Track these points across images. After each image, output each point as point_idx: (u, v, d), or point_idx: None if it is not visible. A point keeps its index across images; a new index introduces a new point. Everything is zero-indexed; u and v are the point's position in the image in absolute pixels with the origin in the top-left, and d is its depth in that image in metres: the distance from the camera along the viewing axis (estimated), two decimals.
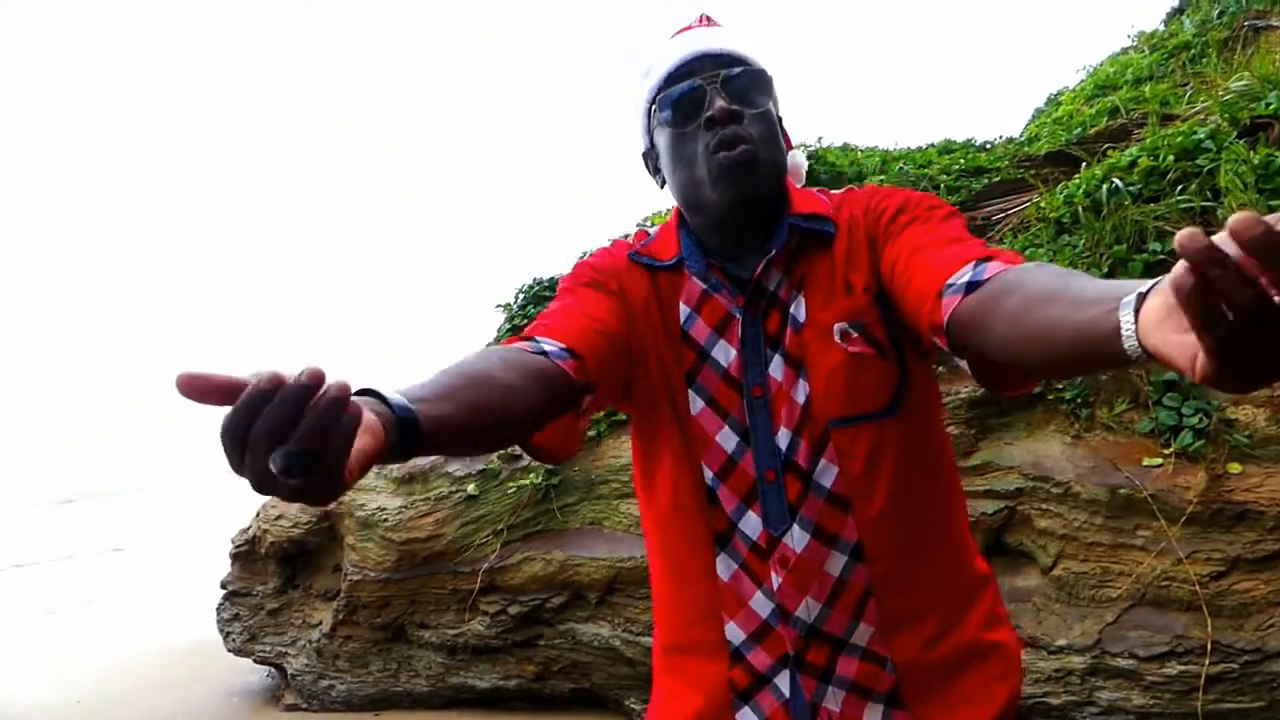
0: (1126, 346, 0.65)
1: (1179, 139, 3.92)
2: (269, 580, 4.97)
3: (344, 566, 4.50)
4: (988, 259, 0.99)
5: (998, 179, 5.04)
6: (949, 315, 0.96)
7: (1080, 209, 3.87)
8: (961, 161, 5.61)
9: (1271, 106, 3.79)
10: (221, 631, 5.08)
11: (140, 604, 7.42)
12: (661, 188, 1.29)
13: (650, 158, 1.29)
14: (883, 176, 5.35)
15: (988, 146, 6.51)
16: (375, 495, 4.49)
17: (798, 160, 1.32)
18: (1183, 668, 2.81)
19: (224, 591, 5.15)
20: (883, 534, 1.14)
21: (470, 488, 4.28)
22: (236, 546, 5.11)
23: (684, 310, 1.21)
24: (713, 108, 1.15)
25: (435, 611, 4.25)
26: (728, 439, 1.16)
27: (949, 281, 0.98)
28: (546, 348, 1.06)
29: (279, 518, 4.85)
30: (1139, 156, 3.98)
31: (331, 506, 4.71)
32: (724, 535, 1.17)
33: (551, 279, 5.89)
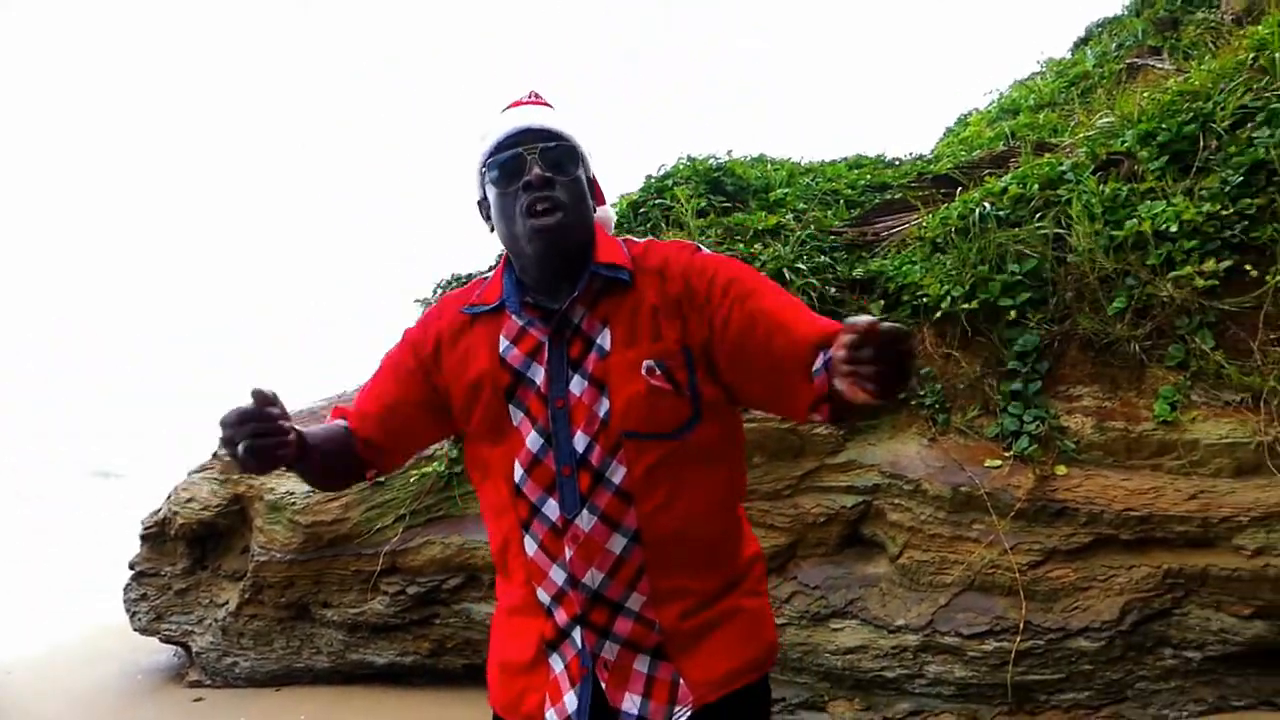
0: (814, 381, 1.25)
1: (1045, 169, 4.27)
2: (178, 561, 5.10)
3: (252, 548, 4.65)
4: (822, 336, 1.30)
5: (898, 195, 5.36)
6: (827, 388, 1.25)
7: (953, 230, 4.18)
8: (868, 177, 5.92)
9: (1125, 144, 4.14)
10: (128, 611, 5.18)
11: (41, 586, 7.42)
12: (491, 232, 1.55)
13: (482, 207, 1.54)
14: (789, 190, 5.63)
15: (896, 163, 6.83)
16: (284, 480, 4.64)
17: (607, 215, 1.60)
18: (998, 644, 3.14)
19: (132, 572, 5.26)
20: (657, 525, 1.39)
21: None
22: (146, 528, 5.22)
23: (504, 343, 1.47)
24: (530, 174, 1.41)
25: (338, 591, 4.43)
26: (535, 441, 1.42)
27: (814, 369, 1.28)
28: (357, 434, 1.54)
29: (189, 501, 4.98)
30: (1010, 184, 4.32)
31: (241, 490, 4.86)
32: (526, 521, 1.43)
33: (468, 274, 6.08)
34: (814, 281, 4.23)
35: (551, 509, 1.40)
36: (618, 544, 1.38)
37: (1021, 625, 3.13)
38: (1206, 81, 4.21)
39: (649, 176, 5.71)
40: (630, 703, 1.39)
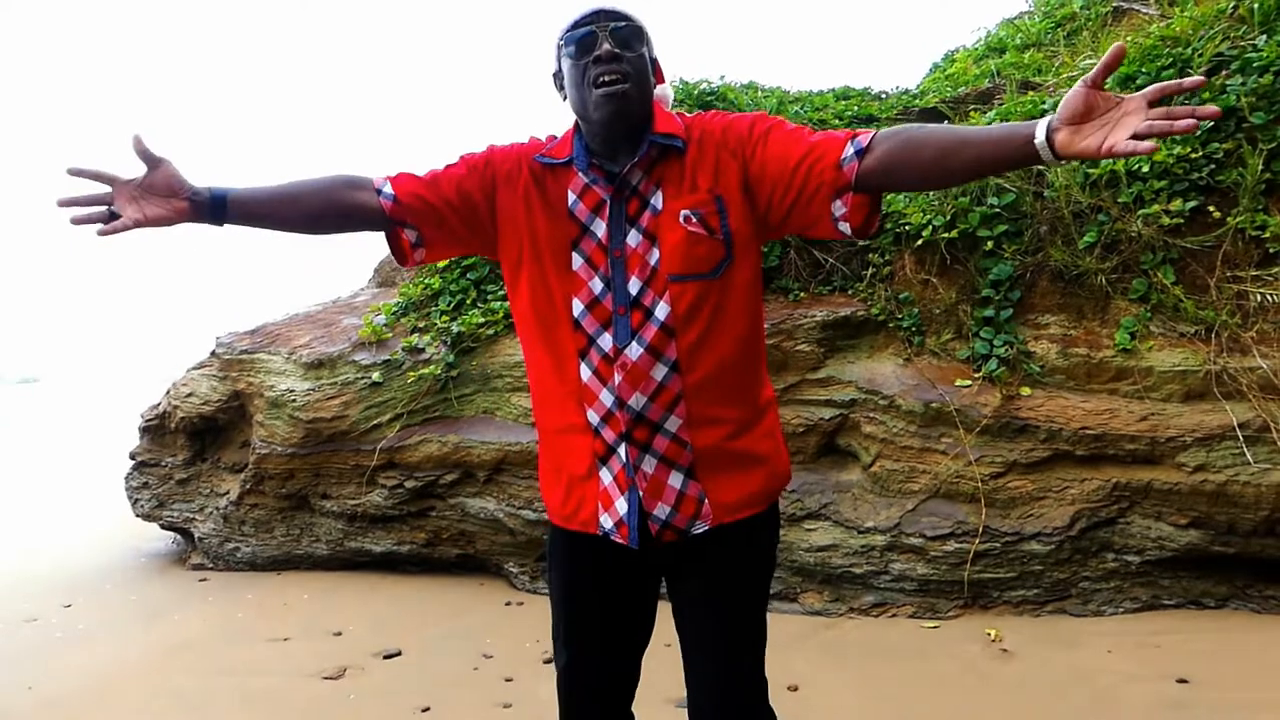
0: (1038, 145, 1.32)
1: (1028, 106, 4.45)
2: (178, 453, 5.28)
3: (252, 441, 4.84)
4: (853, 134, 1.52)
5: (885, 127, 5.51)
6: (855, 177, 1.49)
7: None
8: (855, 108, 6.06)
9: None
10: (130, 498, 5.38)
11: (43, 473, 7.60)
12: (564, 102, 1.72)
13: (557, 79, 1.73)
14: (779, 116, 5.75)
15: (882, 96, 6.95)
16: (284, 378, 4.82)
17: (666, 93, 1.83)
18: (958, 545, 3.43)
19: (133, 462, 5.43)
20: (694, 356, 1.61)
21: (375, 375, 4.65)
22: (146, 421, 5.38)
23: (570, 197, 1.68)
24: (600, 48, 1.59)
25: (337, 484, 4.65)
26: (596, 284, 1.63)
27: (841, 158, 1.50)
28: (382, 189, 1.70)
29: (190, 395, 5.14)
30: (994, 119, 4.51)
31: (241, 387, 5.02)
32: (584, 350, 1.64)
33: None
34: None
35: (605, 341, 1.61)
36: (660, 372, 1.60)
37: (980, 529, 3.42)
38: (1187, 28, 4.39)
39: None
40: (661, 510, 1.63)
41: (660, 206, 1.62)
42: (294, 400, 4.69)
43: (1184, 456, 3.28)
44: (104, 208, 1.56)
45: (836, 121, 5.73)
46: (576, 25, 1.63)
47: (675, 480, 1.64)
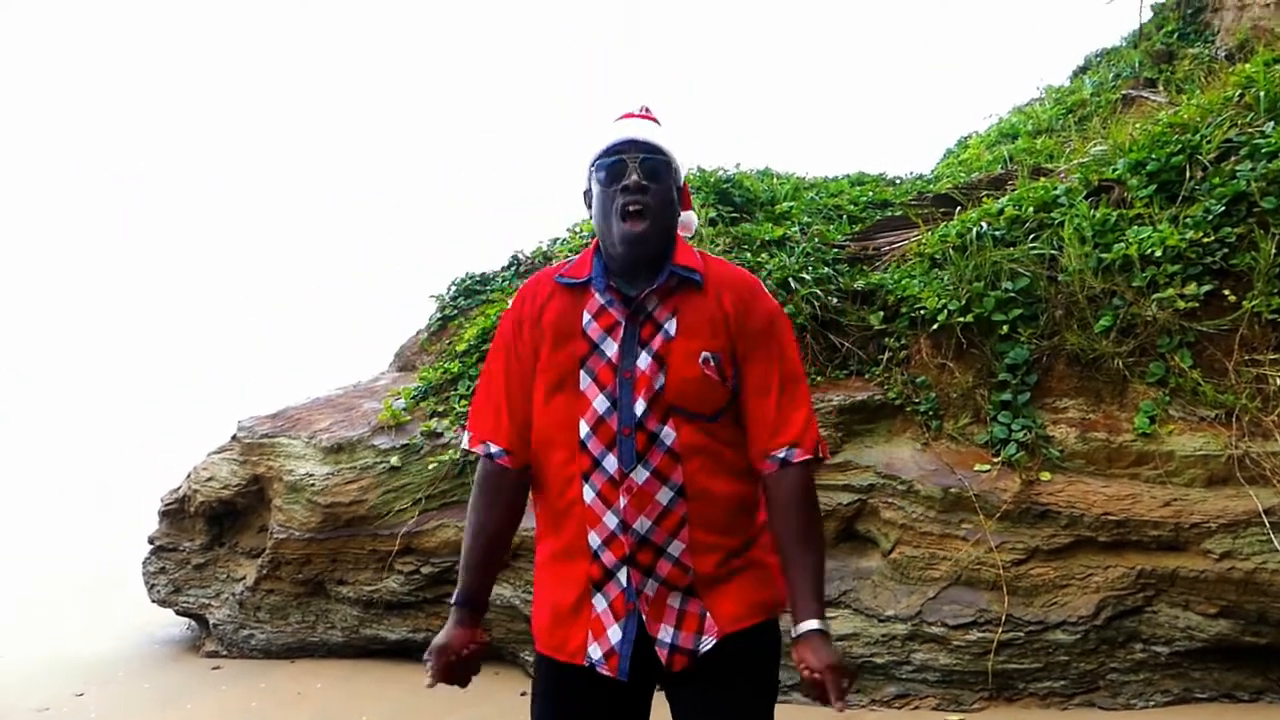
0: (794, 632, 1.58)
1: (1040, 193, 4.52)
2: (196, 537, 5.29)
3: (270, 526, 4.84)
4: (794, 443, 1.65)
5: (898, 213, 5.59)
6: (765, 473, 1.66)
7: (951, 248, 4.42)
8: (870, 193, 6.16)
9: (1117, 172, 4.38)
10: (146, 583, 5.37)
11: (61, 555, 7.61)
12: (589, 219, 1.83)
13: (586, 197, 1.81)
14: (794, 203, 5.85)
15: (897, 181, 7.07)
16: (304, 463, 4.85)
17: (690, 219, 1.86)
18: (981, 635, 3.36)
19: (151, 546, 5.45)
20: (699, 483, 1.64)
21: (393, 459, 4.68)
22: (166, 505, 5.41)
23: (585, 317, 1.71)
24: (629, 179, 1.67)
25: (354, 569, 4.63)
26: (602, 404, 1.65)
27: (773, 451, 1.65)
28: (493, 450, 1.76)
29: (210, 479, 5.18)
30: (1007, 205, 4.57)
31: (261, 471, 5.06)
32: (588, 472, 1.64)
33: (482, 275, 6.30)
34: (817, 292, 4.46)
35: (610, 463, 1.62)
36: (665, 496, 1.62)
37: (1003, 618, 3.35)
38: (1195, 115, 4.46)
39: None
40: (665, 632, 1.63)
41: (673, 333, 1.66)
42: (312, 484, 4.71)
43: (1210, 543, 3.22)
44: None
45: (852, 207, 5.83)
46: (608, 152, 1.72)
47: (675, 600, 1.66)
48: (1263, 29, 6.89)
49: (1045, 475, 3.55)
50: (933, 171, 7.80)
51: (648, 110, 1.86)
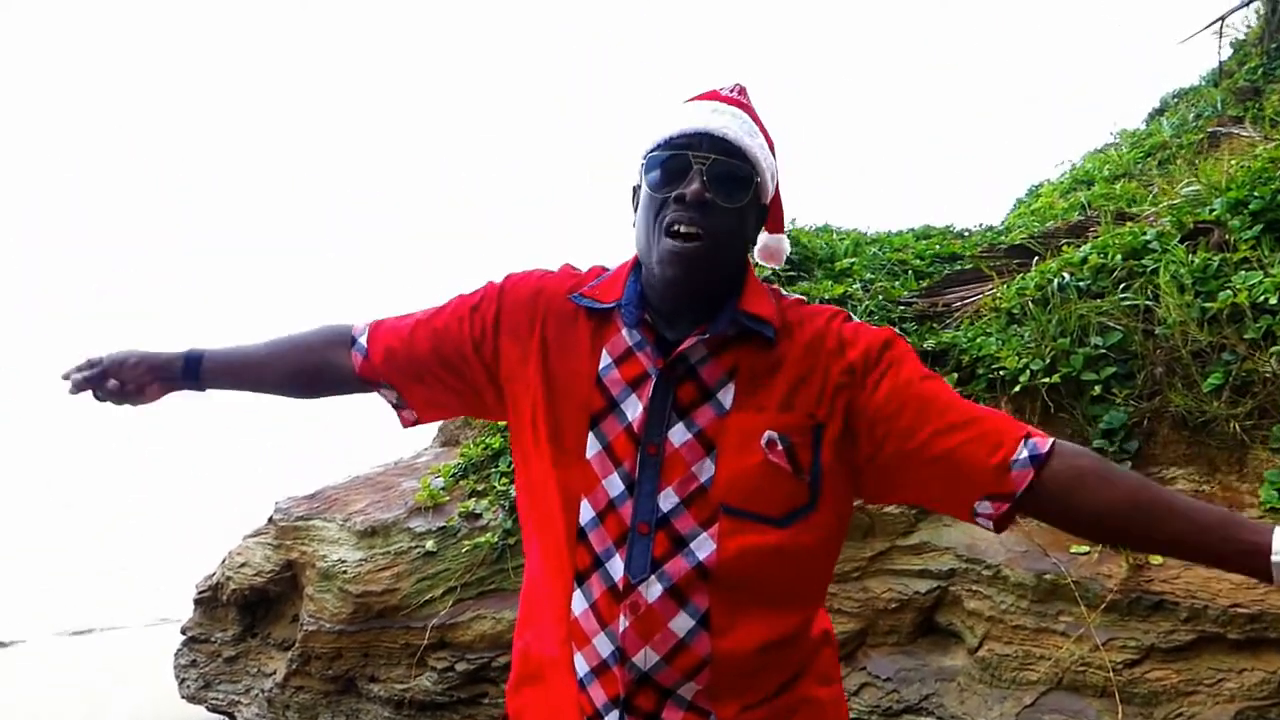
0: (1275, 562, 1.05)
1: (1128, 239, 4.08)
2: (229, 627, 5.03)
3: (301, 616, 4.56)
4: (1026, 435, 1.21)
5: (969, 266, 5.20)
6: (1024, 486, 1.18)
7: (1030, 301, 4.00)
8: (937, 247, 5.78)
9: (1215, 213, 3.94)
10: (177, 677, 5.12)
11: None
12: (632, 226, 1.36)
13: (635, 195, 1.35)
14: (855, 259, 5.51)
15: (965, 234, 6.68)
16: (337, 548, 4.57)
17: (781, 245, 1.43)
18: None
19: (184, 637, 5.20)
20: (737, 617, 1.20)
21: (429, 543, 4.37)
22: (200, 592, 5.18)
23: (605, 359, 1.29)
24: (688, 187, 1.23)
25: (386, 665, 4.30)
26: (614, 484, 1.23)
27: (1012, 459, 1.19)
28: (358, 339, 1.47)
29: (243, 565, 4.93)
30: (1090, 253, 4.14)
31: (294, 556, 4.79)
32: (584, 574, 1.23)
33: None
34: None
35: (615, 566, 1.21)
36: (683, 625, 1.18)
37: None
38: None
39: None
40: None
41: (729, 406, 1.23)
42: (344, 571, 4.42)
43: None
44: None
45: (918, 262, 5.45)
46: (668, 145, 1.26)
47: None
48: None
49: (1155, 559, 3.06)
50: (1003, 222, 7.40)
51: (742, 91, 1.35)
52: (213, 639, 5.07)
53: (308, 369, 1.51)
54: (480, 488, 4.67)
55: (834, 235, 6.24)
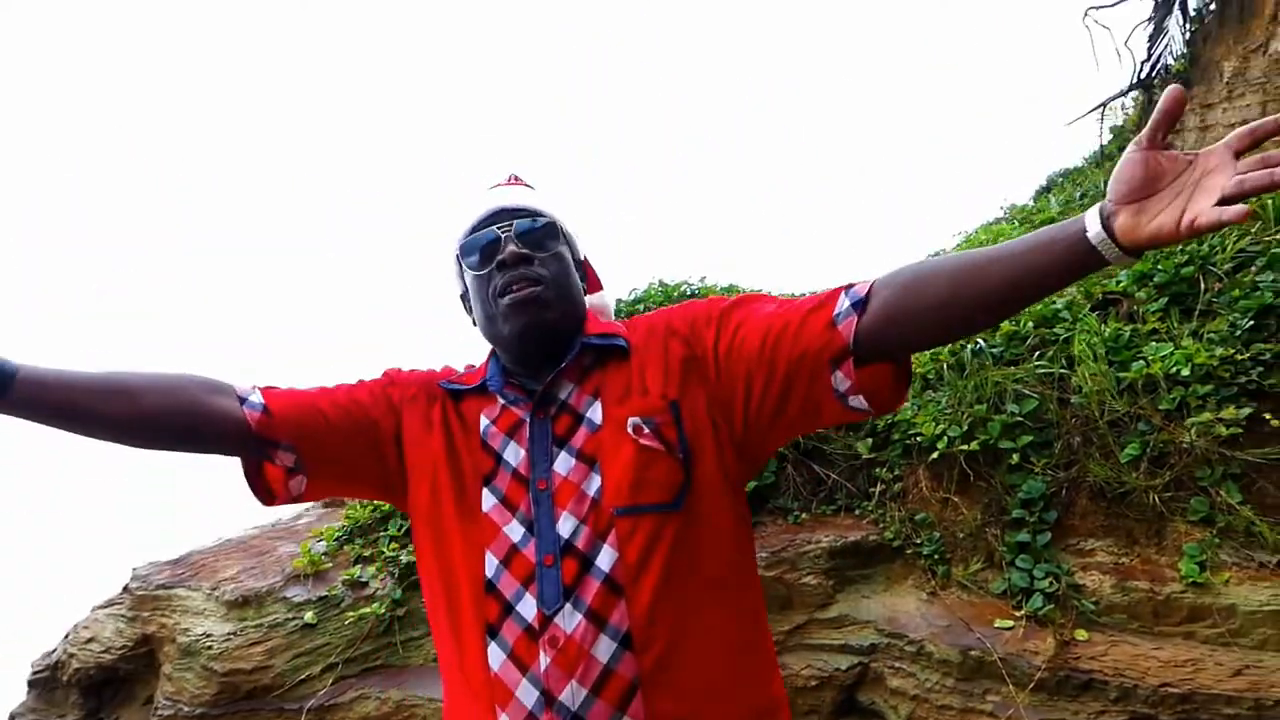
0: (1092, 238, 0.99)
1: (1039, 308, 4.09)
2: (68, 712, 4.45)
3: (156, 699, 4.07)
4: (846, 286, 1.20)
5: None
6: (853, 335, 1.16)
7: (946, 366, 3.96)
8: None
9: (1121, 284, 3.99)
10: None
11: None
12: (474, 326, 1.44)
13: (465, 301, 1.45)
14: None
15: None
16: (203, 619, 4.12)
17: (604, 302, 1.56)
18: None
19: None
20: (652, 624, 1.16)
21: (308, 615, 3.97)
22: (35, 672, 4.59)
23: (484, 422, 1.35)
24: (504, 252, 1.33)
25: None
26: (514, 530, 1.24)
27: (833, 314, 1.17)
28: (249, 397, 1.33)
29: (90, 641, 4.40)
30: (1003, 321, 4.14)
31: (152, 629, 4.29)
32: (494, 625, 1.20)
33: None
34: None
35: (528, 606, 1.19)
36: (605, 649, 1.15)
37: None
38: None
39: (619, 300, 5.47)
40: None
41: (600, 421, 1.28)
42: (210, 647, 3.96)
43: None
44: None
45: None
46: (476, 229, 1.38)
47: None
48: None
49: (1081, 634, 2.98)
50: None
51: (517, 178, 1.50)
52: None
53: (179, 413, 1.28)
54: (367, 553, 4.30)
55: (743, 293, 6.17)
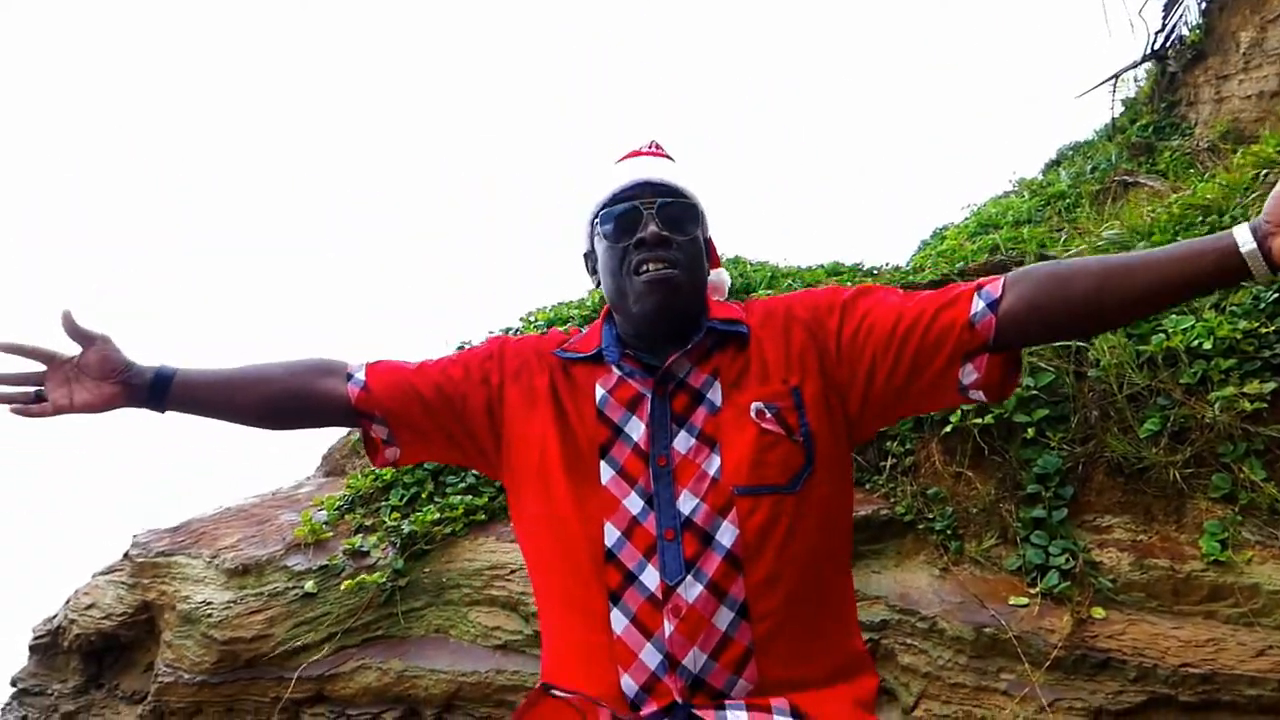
0: (1246, 254, 1.08)
1: None
2: (69, 677, 4.42)
3: (156, 666, 4.03)
4: (977, 286, 1.29)
5: None
6: (994, 333, 1.25)
7: None
8: (849, 283, 5.66)
9: (1138, 246, 3.91)
10: None
11: None
12: (596, 286, 1.49)
13: (589, 259, 1.50)
14: (769, 291, 5.34)
15: (875, 272, 6.63)
16: (203, 587, 4.07)
17: (722, 278, 1.55)
18: None
19: (14, 690, 4.56)
20: (768, 596, 1.25)
21: (308, 584, 3.92)
22: (37, 637, 4.56)
23: (599, 393, 1.39)
24: (645, 230, 1.36)
25: None
26: (634, 502, 1.31)
27: (971, 314, 1.26)
28: (355, 374, 1.47)
29: (90, 607, 4.36)
30: None
31: (152, 597, 4.25)
32: (616, 592, 1.27)
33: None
34: None
35: (651, 576, 1.27)
36: (724, 618, 1.24)
37: None
38: (1219, 195, 4.04)
39: None
40: None
41: (719, 403, 1.34)
42: (210, 615, 3.92)
43: None
44: (32, 388, 1.38)
45: None
46: (616, 199, 1.41)
47: None
48: (1243, 121, 6.69)
49: (1098, 612, 2.92)
50: (909, 263, 7.40)
51: (658, 146, 1.52)
52: (49, 691, 4.45)
53: (293, 396, 1.46)
54: (369, 522, 4.24)
55: (749, 266, 6.08)
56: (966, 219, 8.10)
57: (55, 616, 4.56)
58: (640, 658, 1.25)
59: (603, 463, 1.34)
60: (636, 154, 1.51)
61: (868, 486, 3.61)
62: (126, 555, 4.49)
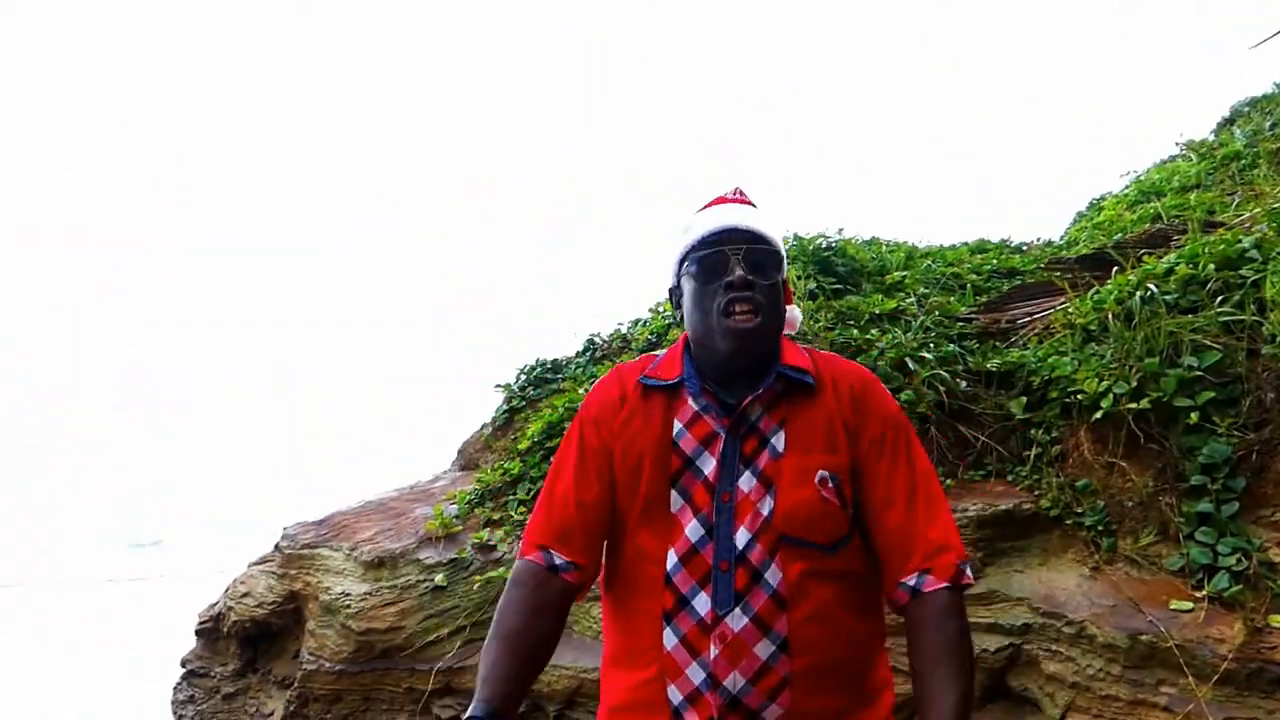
0: None
1: (1221, 247, 3.61)
2: (229, 661, 4.69)
3: (302, 653, 4.20)
4: (925, 569, 1.40)
5: (1034, 280, 4.75)
6: (897, 606, 1.42)
7: (1110, 316, 3.55)
8: (994, 261, 5.33)
9: None
10: (175, 714, 4.78)
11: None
12: (679, 321, 1.58)
13: (675, 294, 1.59)
14: (907, 273, 5.08)
15: (1023, 248, 6.23)
16: (342, 579, 4.22)
17: (795, 315, 1.61)
18: None
19: (183, 670, 4.87)
20: (807, 637, 1.37)
21: (439, 578, 4.00)
22: (202, 622, 4.85)
23: (677, 425, 1.48)
24: (733, 274, 1.45)
25: (388, 711, 3.92)
26: (694, 531, 1.41)
27: (901, 582, 1.41)
28: (556, 562, 1.46)
29: (245, 595, 4.60)
30: (1177, 264, 3.67)
31: (298, 587, 4.44)
32: (669, 613, 1.39)
33: (554, 361, 5.67)
34: (942, 374, 3.65)
35: (702, 603, 1.38)
36: (765, 650, 1.36)
37: None
38: None
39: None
40: None
41: (782, 449, 1.44)
42: (348, 606, 4.05)
43: None
44: None
45: (974, 277, 4.99)
46: (705, 243, 1.50)
47: None
48: None
49: (1276, 620, 2.59)
50: (1063, 236, 6.92)
51: (742, 193, 1.62)
52: (212, 673, 4.73)
53: (548, 631, 1.46)
54: (496, 516, 4.29)
55: (884, 248, 5.82)
56: (1126, 188, 7.51)
57: (217, 604, 4.84)
58: (686, 673, 1.38)
59: (673, 491, 1.44)
60: (722, 200, 1.59)
61: (1009, 478, 3.36)
62: (277, 546, 4.72)
